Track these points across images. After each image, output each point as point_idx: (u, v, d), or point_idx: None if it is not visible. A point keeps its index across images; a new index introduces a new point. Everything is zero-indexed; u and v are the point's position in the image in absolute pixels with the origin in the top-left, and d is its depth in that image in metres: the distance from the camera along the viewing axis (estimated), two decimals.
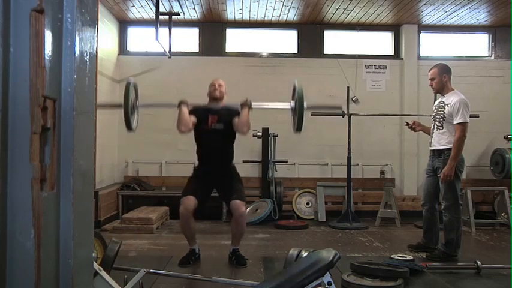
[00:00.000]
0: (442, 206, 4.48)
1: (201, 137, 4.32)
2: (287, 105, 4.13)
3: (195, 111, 4.24)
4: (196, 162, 4.41)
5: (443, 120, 4.41)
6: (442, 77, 4.48)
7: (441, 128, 4.43)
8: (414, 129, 4.84)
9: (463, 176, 4.73)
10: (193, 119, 4.17)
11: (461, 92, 4.48)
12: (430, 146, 4.59)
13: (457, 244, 4.38)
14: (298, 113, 3.82)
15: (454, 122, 4.30)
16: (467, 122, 4.28)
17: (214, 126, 4.22)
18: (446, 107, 4.41)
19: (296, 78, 4.06)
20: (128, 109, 3.97)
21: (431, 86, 4.59)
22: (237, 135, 4.30)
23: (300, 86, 3.89)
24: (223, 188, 4.31)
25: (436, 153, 4.47)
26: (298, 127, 3.91)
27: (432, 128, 4.59)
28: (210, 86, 4.40)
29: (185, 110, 4.13)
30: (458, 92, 4.48)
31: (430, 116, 6.11)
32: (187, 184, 4.33)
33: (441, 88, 4.52)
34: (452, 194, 4.36)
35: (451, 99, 4.40)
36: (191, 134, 4.32)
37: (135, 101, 4.14)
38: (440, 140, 4.42)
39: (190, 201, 4.06)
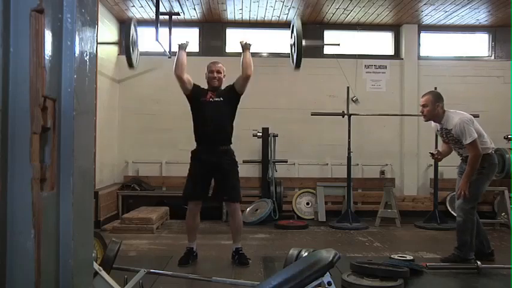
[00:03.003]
0: (457, 205, 4.34)
1: (199, 110, 4.24)
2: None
3: (195, 85, 4.29)
4: (195, 146, 4.33)
5: (458, 142, 4.28)
6: (436, 105, 4.31)
7: (461, 147, 4.32)
8: (439, 160, 4.74)
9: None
10: (189, 76, 4.24)
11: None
12: (460, 156, 4.45)
13: (471, 247, 4.24)
14: (297, 48, 4.00)
15: (465, 144, 4.18)
16: (476, 138, 4.14)
17: (213, 99, 4.23)
18: (451, 131, 4.27)
19: (296, 18, 4.32)
20: (129, 44, 4.36)
21: (422, 112, 4.42)
22: (235, 117, 4.33)
23: (299, 23, 4.10)
24: (220, 183, 4.28)
25: (466, 159, 4.32)
26: (298, 63, 4.09)
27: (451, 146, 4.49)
28: (208, 71, 4.32)
29: (181, 54, 4.25)
30: (450, 111, 4.33)
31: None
32: (188, 183, 4.32)
33: (433, 116, 4.38)
34: (474, 194, 4.23)
35: (450, 123, 4.26)
36: (191, 129, 4.30)
37: (135, 38, 4.45)
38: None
39: (196, 207, 4.28)
